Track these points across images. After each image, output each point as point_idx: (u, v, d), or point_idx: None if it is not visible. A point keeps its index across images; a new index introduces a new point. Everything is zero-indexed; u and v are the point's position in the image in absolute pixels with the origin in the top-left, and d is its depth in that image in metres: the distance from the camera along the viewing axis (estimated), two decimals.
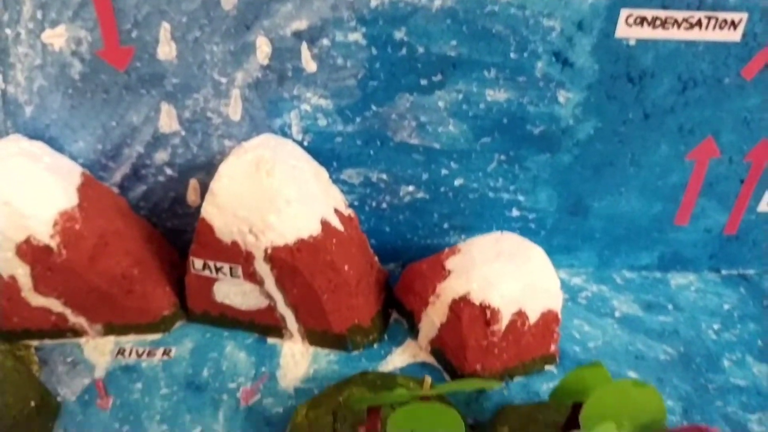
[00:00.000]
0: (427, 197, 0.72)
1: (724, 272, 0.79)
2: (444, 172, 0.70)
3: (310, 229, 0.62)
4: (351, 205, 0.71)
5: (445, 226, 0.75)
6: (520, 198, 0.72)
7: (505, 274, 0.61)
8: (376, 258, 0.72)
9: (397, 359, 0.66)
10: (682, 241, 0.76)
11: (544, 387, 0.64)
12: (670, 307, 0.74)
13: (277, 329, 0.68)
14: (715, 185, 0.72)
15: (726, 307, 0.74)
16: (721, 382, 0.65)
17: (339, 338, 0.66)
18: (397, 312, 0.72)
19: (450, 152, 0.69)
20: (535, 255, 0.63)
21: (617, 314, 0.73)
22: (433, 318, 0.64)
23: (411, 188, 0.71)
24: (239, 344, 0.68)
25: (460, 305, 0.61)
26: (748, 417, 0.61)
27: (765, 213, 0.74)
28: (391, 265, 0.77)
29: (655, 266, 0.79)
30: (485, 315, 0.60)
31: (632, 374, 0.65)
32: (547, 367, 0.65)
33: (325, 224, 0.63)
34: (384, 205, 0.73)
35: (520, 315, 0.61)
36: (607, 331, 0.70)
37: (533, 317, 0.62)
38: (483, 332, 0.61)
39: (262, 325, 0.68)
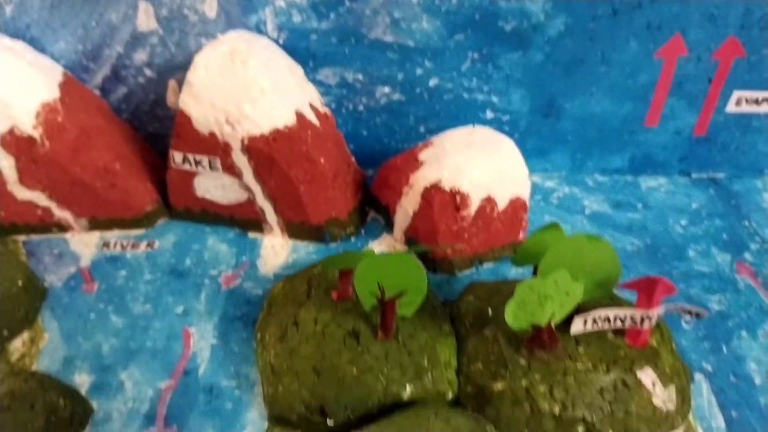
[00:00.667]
0: (403, 99, 0.74)
1: (694, 175, 0.81)
2: (419, 71, 0.72)
3: (285, 119, 0.63)
4: (327, 106, 0.72)
5: (422, 129, 0.77)
6: (494, 99, 0.74)
7: (475, 162, 0.63)
8: (353, 159, 0.73)
9: (374, 250, 0.69)
10: (653, 143, 0.78)
11: (513, 272, 0.66)
12: (639, 206, 0.76)
13: (257, 223, 0.70)
14: (684, 85, 0.73)
15: (694, 206, 0.77)
16: (685, 268, 0.67)
17: (317, 230, 0.69)
18: (374, 211, 0.74)
19: (424, 50, 0.70)
20: (505, 145, 0.65)
21: (587, 212, 0.75)
22: (406, 208, 0.66)
23: (387, 89, 0.73)
24: (221, 238, 0.70)
25: (432, 192, 0.63)
26: (709, 297, 0.64)
27: (733, 114, 0.76)
28: (370, 171, 0.79)
29: (627, 169, 0.81)
30: (455, 200, 0.62)
31: None
32: None
33: (300, 116, 0.64)
34: (361, 108, 0.75)
35: (489, 201, 0.63)
36: (576, 226, 0.73)
37: (502, 204, 0.64)
38: (453, 217, 0.63)
39: (243, 219, 0.70)
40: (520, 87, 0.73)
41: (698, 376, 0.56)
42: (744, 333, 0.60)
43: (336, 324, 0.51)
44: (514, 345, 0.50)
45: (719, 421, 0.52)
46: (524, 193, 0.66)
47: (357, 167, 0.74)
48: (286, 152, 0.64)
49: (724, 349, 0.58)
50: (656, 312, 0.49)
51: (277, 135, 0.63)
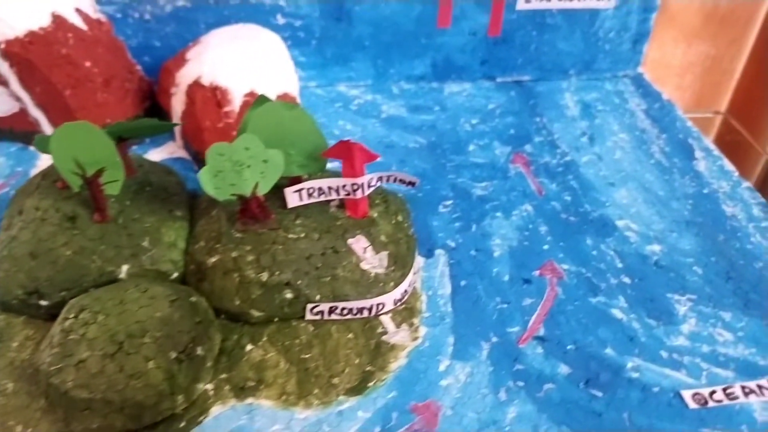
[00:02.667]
0: (189, 5, 0.73)
1: (499, 79, 0.83)
2: None
3: (40, 21, 0.62)
4: (111, 17, 0.71)
5: None
6: (282, 3, 0.73)
7: (236, 56, 0.63)
8: (138, 67, 0.72)
9: (154, 156, 0.68)
10: (451, 47, 0.79)
11: None
12: (436, 108, 0.77)
13: (35, 134, 0.69)
14: None
15: (491, 106, 0.78)
16: (460, 161, 0.69)
17: None
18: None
19: None
20: (271, 40, 0.65)
21: (383, 116, 0.76)
22: (176, 108, 0.66)
23: None
24: (2, 152, 0.68)
25: (194, 89, 0.63)
26: (474, 185, 0.65)
27: (525, 11, 0.77)
28: None
29: (431, 76, 0.81)
30: (216, 96, 0.62)
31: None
32: None
33: (58, 18, 0.63)
34: (147, 16, 0.73)
35: (254, 96, 0.63)
36: (367, 128, 0.73)
37: None
38: (217, 114, 0.63)
39: (22, 132, 0.69)
40: None
41: (439, 251, 0.57)
42: (499, 213, 0.62)
43: (55, 209, 0.51)
44: (232, 221, 0.51)
45: (446, 289, 0.54)
46: (292, 89, 0.66)
47: (143, 76, 0.72)
48: (44, 55, 0.62)
49: (474, 228, 0.60)
50: (365, 180, 0.50)
51: (32, 38, 0.61)
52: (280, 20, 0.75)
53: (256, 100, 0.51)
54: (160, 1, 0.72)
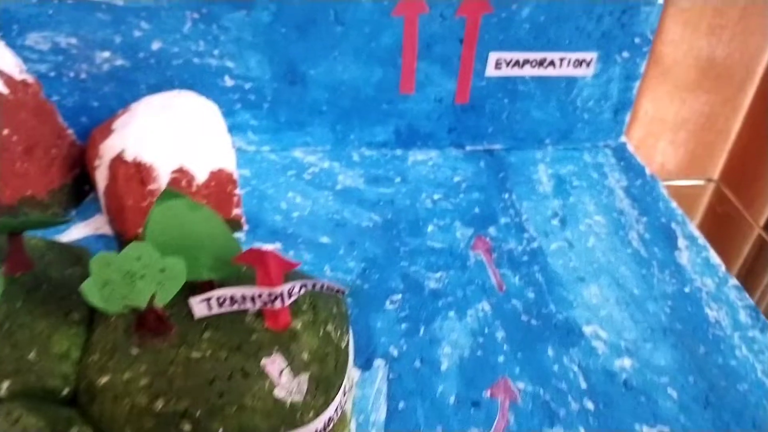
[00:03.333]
0: (128, 65, 0.67)
1: (468, 148, 0.76)
2: (137, 33, 0.65)
3: None
4: (44, 76, 0.65)
5: None
6: (229, 64, 0.67)
7: (165, 128, 0.56)
8: (70, 131, 0.66)
9: (76, 232, 0.62)
10: (415, 113, 0.73)
11: None
12: (397, 180, 0.71)
13: None
14: (434, 47, 0.68)
15: (456, 179, 0.71)
16: (415, 245, 0.62)
17: (9, 210, 0.61)
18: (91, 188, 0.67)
19: (136, 10, 0.63)
20: (205, 109, 0.59)
21: (338, 187, 0.69)
22: (100, 184, 0.59)
23: (107, 54, 0.66)
24: None
25: (117, 164, 0.56)
26: (428, 276, 0.58)
27: (495, 78, 0.71)
28: None
29: (394, 143, 0.75)
30: (140, 173, 0.56)
31: (325, 239, 0.62)
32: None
33: None
34: (83, 75, 0.67)
35: (184, 173, 0.57)
36: (318, 202, 0.67)
37: (202, 176, 0.58)
38: (140, 192, 0.56)
39: None
40: (254, 51, 0.67)
41: (378, 362, 0.50)
42: (452, 313, 0.55)
43: None
44: (129, 332, 0.44)
45: (381, 413, 0.47)
46: (228, 164, 0.59)
47: (74, 141, 0.66)
48: None
49: (422, 331, 0.53)
50: (284, 289, 0.43)
51: None
52: (229, 82, 0.69)
53: (161, 195, 0.45)
54: (97, 60, 0.66)
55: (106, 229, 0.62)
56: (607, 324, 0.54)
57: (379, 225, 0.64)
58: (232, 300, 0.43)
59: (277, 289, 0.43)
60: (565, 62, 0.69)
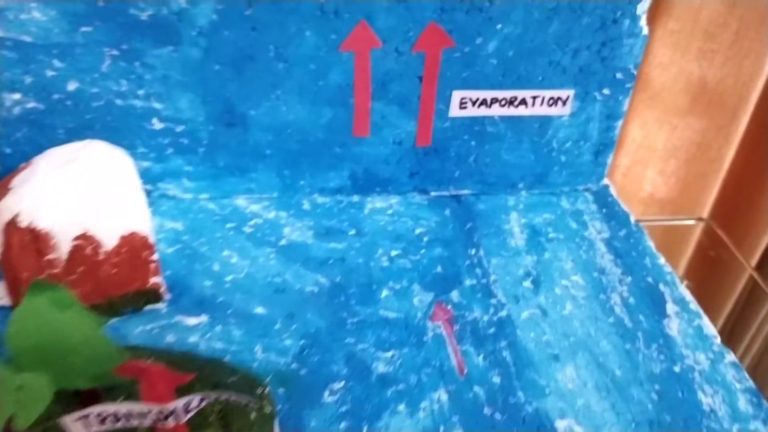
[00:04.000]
0: (42, 107, 0.59)
1: (433, 193, 0.68)
2: (50, 73, 0.57)
3: None
4: None
5: None
6: (157, 105, 0.59)
7: (66, 187, 0.48)
8: None
9: None
10: (372, 157, 0.65)
11: (138, 330, 0.51)
12: (351, 232, 0.63)
13: None
14: (390, 85, 0.60)
15: (418, 231, 0.63)
16: (365, 315, 0.54)
17: None
18: None
19: (47, 47, 0.55)
20: (117, 163, 0.51)
21: (282, 243, 0.61)
22: None
23: (17, 96, 0.58)
24: None
25: (10, 230, 0.48)
26: (378, 356, 0.50)
27: (461, 118, 0.63)
28: None
29: (350, 189, 0.67)
30: (36, 241, 0.47)
31: (260, 310, 0.53)
32: (151, 306, 0.53)
33: None
34: None
35: (89, 239, 0.49)
36: (257, 262, 0.58)
37: (111, 242, 0.50)
38: (37, 263, 0.48)
39: None
40: (185, 90, 0.59)
41: None
42: (402, 406, 0.46)
43: None
44: None
45: None
46: (142, 226, 0.51)
47: None
48: None
49: (365, 430, 0.45)
50: (179, 405, 0.35)
51: None
52: (158, 125, 0.60)
53: (28, 290, 0.36)
54: (7, 102, 0.58)
55: (7, 300, 0.54)
56: (585, 417, 0.46)
57: (326, 290, 0.56)
58: (116, 417, 0.35)
59: (170, 406, 0.35)
60: (538, 101, 0.62)
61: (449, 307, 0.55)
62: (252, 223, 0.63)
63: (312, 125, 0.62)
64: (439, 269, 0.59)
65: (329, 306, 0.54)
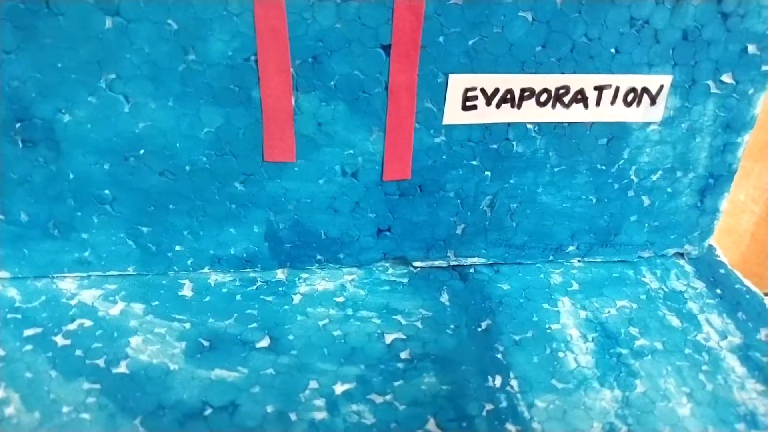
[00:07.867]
0: None
1: (419, 264, 0.39)
2: None
3: None
4: None
5: None
6: None
7: None
8: None
9: None
10: (303, 201, 0.36)
11: None
12: (262, 344, 0.33)
13: None
14: (327, 61, 0.31)
15: (390, 338, 0.34)
16: None
17: None
18: None
19: None
20: None
21: (119, 370, 0.31)
22: None
23: None
24: None
25: None
26: None
27: (464, 127, 0.34)
28: None
29: (267, 258, 0.37)
30: None
31: None
32: None
33: None
34: None
35: None
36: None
37: None
38: None
39: None
40: None
41: None
42: None
43: None
44: None
45: None
46: None
47: None
48: None
49: None
50: None
51: None
52: None
53: None
54: None
55: None
56: None
57: None
58: None
59: None
60: (606, 95, 0.33)
61: None
62: (74, 325, 0.33)
63: (185, 140, 0.32)
64: (431, 426, 0.29)
65: None
